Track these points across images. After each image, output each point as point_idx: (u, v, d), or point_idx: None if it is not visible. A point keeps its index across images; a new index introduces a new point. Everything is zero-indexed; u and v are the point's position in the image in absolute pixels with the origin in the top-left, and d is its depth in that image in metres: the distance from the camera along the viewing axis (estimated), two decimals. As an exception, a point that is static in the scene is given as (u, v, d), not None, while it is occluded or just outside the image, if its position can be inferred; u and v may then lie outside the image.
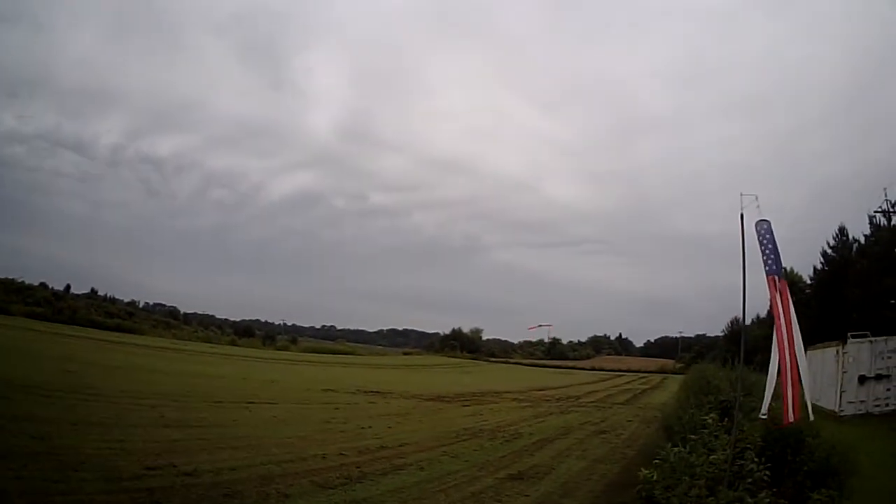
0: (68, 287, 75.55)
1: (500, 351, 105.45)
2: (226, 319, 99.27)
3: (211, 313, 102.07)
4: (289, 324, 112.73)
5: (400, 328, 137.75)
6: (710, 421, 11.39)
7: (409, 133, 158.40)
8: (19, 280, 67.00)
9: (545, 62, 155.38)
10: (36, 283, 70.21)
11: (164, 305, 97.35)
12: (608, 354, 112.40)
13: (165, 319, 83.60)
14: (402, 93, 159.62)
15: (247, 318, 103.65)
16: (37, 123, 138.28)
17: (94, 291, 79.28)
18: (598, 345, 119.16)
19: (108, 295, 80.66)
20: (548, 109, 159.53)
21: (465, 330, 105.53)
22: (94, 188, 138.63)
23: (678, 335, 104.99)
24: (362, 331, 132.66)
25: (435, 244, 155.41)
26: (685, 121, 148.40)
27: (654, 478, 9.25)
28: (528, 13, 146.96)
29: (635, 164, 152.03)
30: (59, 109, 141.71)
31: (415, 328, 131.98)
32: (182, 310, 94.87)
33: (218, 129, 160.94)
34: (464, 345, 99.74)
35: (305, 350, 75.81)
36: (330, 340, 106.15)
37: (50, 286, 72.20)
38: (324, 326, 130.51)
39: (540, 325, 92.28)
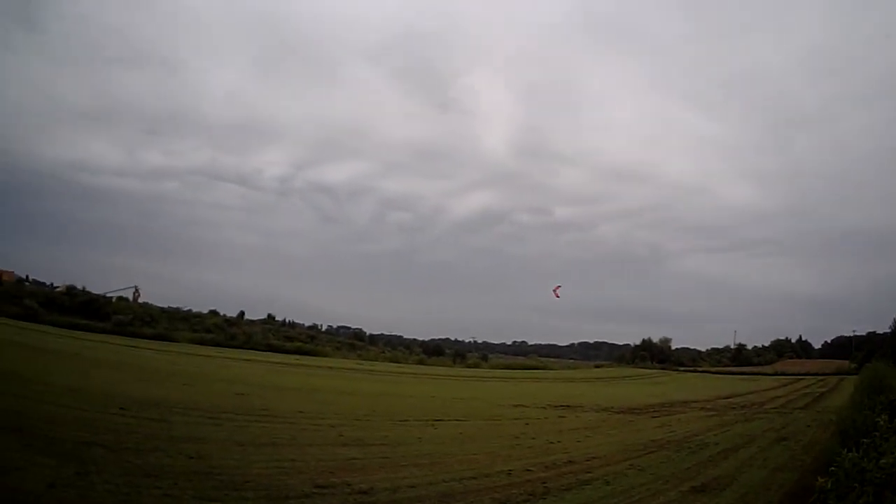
0: (242, 314, 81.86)
1: (689, 359, 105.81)
2: (414, 339, 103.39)
3: (398, 334, 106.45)
4: (479, 341, 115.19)
5: (591, 341, 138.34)
6: (881, 423, 11.33)
7: (582, 145, 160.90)
8: (186, 308, 74.02)
9: (695, 63, 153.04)
10: (205, 311, 77.23)
11: (348, 328, 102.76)
12: (789, 358, 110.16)
13: (350, 341, 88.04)
14: (568, 106, 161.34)
15: (436, 338, 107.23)
16: (188, 159, 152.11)
17: (270, 317, 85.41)
18: (780, 348, 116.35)
19: (288, 320, 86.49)
20: (706, 110, 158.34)
21: (655, 340, 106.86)
22: (263, 218, 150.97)
23: (852, 334, 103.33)
24: (554, 345, 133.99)
25: (620, 255, 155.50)
26: (832, 111, 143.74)
27: (829, 486, 9.10)
28: (671, 15, 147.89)
29: (792, 160, 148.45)
30: (212, 144, 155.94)
31: (606, 340, 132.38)
32: (367, 331, 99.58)
33: (389, 154, 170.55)
34: (654, 355, 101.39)
35: (496, 367, 78.00)
36: (522, 356, 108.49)
37: (222, 313, 79.04)
38: (515, 342, 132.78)
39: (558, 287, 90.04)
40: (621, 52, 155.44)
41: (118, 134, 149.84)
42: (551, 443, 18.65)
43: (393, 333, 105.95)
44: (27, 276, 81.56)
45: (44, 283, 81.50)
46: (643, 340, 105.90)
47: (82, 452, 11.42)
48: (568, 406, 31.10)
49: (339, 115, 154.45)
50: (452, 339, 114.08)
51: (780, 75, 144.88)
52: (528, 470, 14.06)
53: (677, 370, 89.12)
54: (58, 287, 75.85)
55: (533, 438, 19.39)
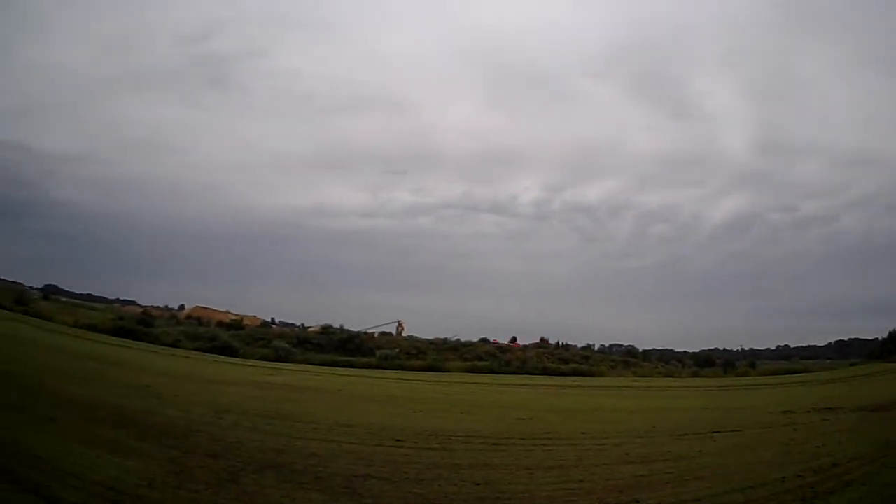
0: (513, 339, 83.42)
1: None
2: (685, 352, 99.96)
3: (670, 347, 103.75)
4: (746, 348, 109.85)
5: (846, 339, 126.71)
6: None
7: (812, 135, 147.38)
8: (454, 338, 76.62)
9: (886, 34, 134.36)
10: (475, 339, 79.26)
11: (620, 345, 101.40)
12: None
13: (624, 359, 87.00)
14: (790, 97, 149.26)
15: (706, 348, 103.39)
16: (439, 194, 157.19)
17: (543, 340, 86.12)
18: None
19: (561, 342, 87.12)
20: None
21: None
22: (523, 244, 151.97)
23: None
24: (813, 346, 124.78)
25: (861, 246, 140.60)
26: None
27: None
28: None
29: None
30: (463, 177, 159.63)
31: (858, 336, 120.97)
32: (640, 347, 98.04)
33: (639, 167, 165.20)
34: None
35: (763, 373, 73.79)
36: (785, 360, 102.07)
37: (492, 340, 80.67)
38: (778, 346, 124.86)
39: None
40: (818, 34, 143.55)
41: (358, 178, 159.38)
42: (818, 447, 18.24)
43: (665, 347, 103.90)
44: (273, 319, 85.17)
45: (293, 325, 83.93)
46: (889, 333, 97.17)
47: (356, 486, 11.99)
48: (829, 408, 29.71)
49: (581, 135, 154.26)
50: (721, 348, 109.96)
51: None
52: (799, 476, 13.98)
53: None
54: (310, 327, 77.80)
55: (802, 444, 19.04)
